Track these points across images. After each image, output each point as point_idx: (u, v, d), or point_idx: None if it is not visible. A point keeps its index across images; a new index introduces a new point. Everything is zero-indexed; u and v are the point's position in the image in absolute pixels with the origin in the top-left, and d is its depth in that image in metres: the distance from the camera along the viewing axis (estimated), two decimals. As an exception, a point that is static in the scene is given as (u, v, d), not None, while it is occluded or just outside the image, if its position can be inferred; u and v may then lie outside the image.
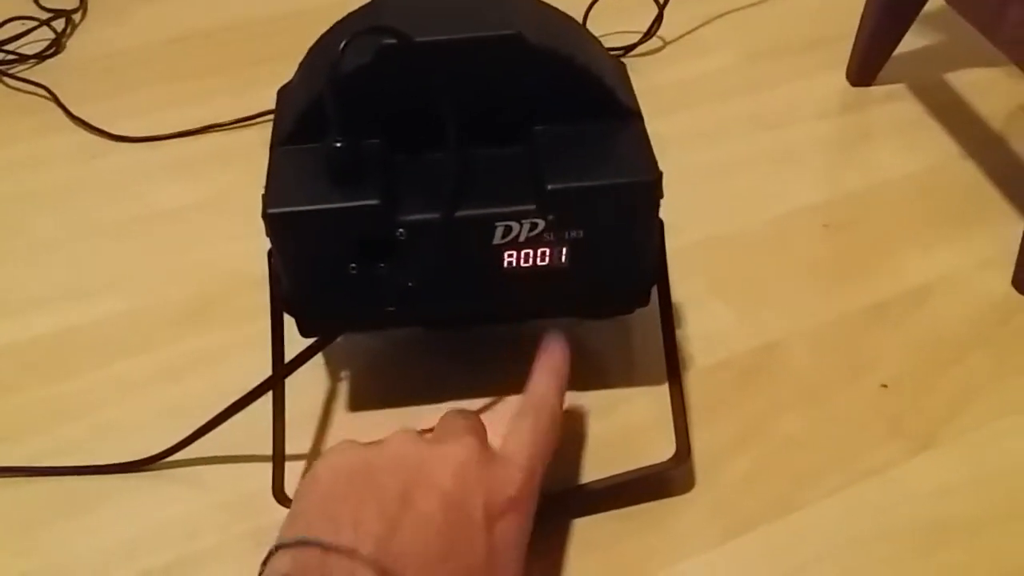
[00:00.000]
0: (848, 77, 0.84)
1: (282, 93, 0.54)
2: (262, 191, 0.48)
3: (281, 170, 0.49)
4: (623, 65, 0.55)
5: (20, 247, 0.69)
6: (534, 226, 0.49)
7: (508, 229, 0.49)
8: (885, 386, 0.57)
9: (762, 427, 0.56)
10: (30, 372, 0.60)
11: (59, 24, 0.92)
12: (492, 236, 0.49)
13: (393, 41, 0.47)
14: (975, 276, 0.65)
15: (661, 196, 0.50)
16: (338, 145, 0.47)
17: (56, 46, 0.90)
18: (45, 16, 0.92)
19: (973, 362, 0.58)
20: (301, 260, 0.49)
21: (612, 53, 0.85)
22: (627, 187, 0.48)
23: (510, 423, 0.47)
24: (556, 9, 0.53)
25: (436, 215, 0.48)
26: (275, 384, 0.50)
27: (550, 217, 0.48)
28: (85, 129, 0.80)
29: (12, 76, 0.85)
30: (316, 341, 0.50)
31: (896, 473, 0.53)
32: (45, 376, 0.59)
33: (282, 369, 0.50)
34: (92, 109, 0.81)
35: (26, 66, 0.87)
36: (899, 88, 0.82)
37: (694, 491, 0.52)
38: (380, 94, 0.48)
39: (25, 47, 0.89)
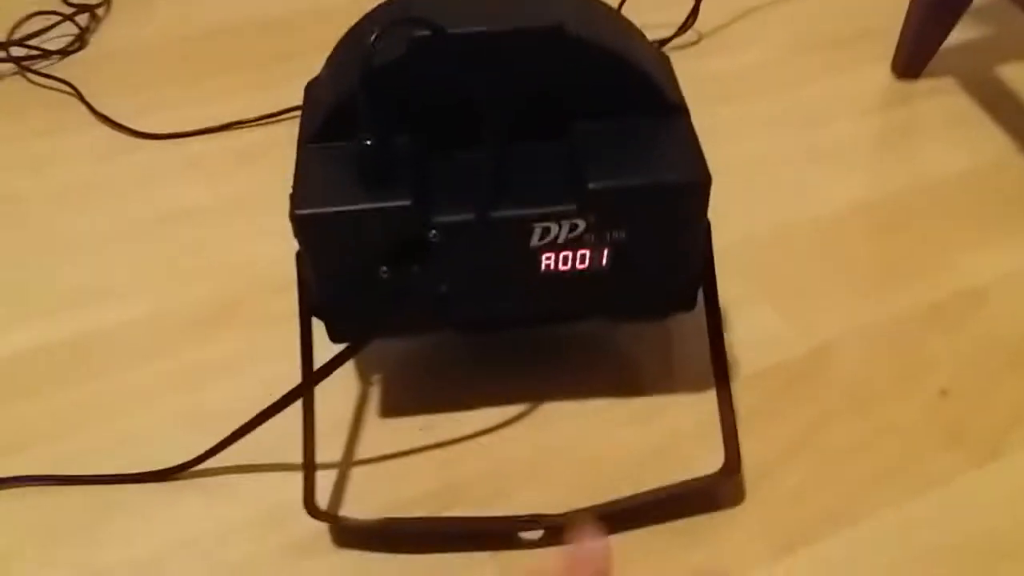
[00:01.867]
0: (894, 69, 0.80)
1: (310, 89, 0.52)
2: (289, 190, 0.46)
3: (309, 169, 0.47)
4: (667, 59, 0.53)
5: (45, 245, 0.68)
6: (574, 227, 0.46)
7: (547, 230, 0.46)
8: (944, 392, 0.55)
9: (813, 437, 0.53)
10: (55, 376, 0.58)
11: (83, 19, 0.90)
12: (530, 238, 0.46)
13: (427, 33, 0.44)
14: (1033, 277, 0.62)
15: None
16: (369, 143, 0.45)
17: (80, 41, 0.88)
18: (69, 11, 0.91)
19: (1036, 368, 0.56)
20: (331, 263, 0.47)
21: (649, 46, 0.83)
22: (675, 188, 0.45)
23: None
24: (596, 0, 0.51)
25: (471, 216, 0.45)
26: (305, 392, 0.48)
27: (591, 218, 0.46)
28: (109, 126, 0.78)
29: (36, 72, 0.84)
30: (347, 347, 0.48)
31: (958, 485, 0.50)
32: (70, 380, 0.58)
33: (311, 377, 0.48)
34: (116, 105, 0.79)
35: (50, 62, 0.86)
36: (947, 81, 0.79)
37: (743, 505, 0.50)
38: (413, 89, 0.46)
39: (49, 42, 0.88)
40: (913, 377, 0.56)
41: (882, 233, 0.66)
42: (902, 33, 0.79)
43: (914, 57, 0.79)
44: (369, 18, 0.50)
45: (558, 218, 0.46)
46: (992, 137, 0.73)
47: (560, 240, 0.47)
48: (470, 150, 0.47)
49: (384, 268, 0.47)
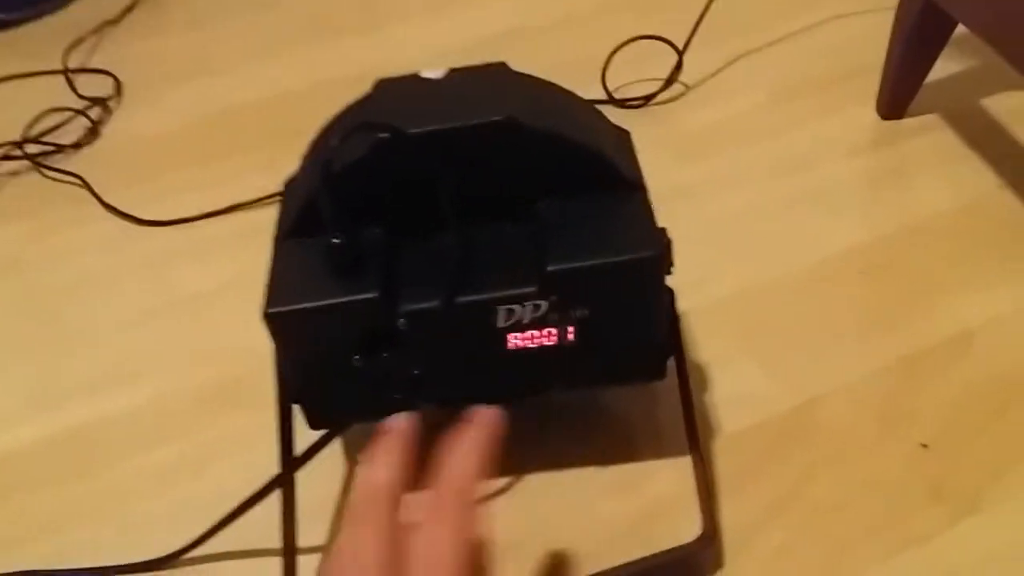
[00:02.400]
0: (878, 110, 0.81)
1: (288, 186, 0.55)
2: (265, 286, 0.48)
3: (283, 265, 0.49)
4: (627, 134, 0.54)
5: (52, 338, 0.71)
6: (537, 307, 0.48)
7: (511, 312, 0.48)
8: (925, 445, 0.55)
9: (795, 494, 0.53)
10: (58, 468, 0.61)
11: (95, 112, 0.95)
12: (495, 320, 0.48)
13: (386, 135, 0.46)
14: (1020, 318, 0.61)
15: (669, 267, 0.49)
16: (336, 241, 0.47)
17: (92, 134, 0.93)
18: (82, 105, 0.95)
19: (1018, 415, 0.55)
20: (304, 355, 0.49)
21: (633, 103, 0.85)
22: (628, 264, 0.47)
23: (425, 524, 0.40)
24: (552, 84, 0.53)
25: (436, 303, 0.47)
26: (284, 481, 0.50)
27: (552, 298, 0.47)
28: (117, 216, 0.82)
29: (49, 167, 0.88)
30: (326, 434, 0.50)
31: (940, 541, 0.50)
32: (73, 472, 0.60)
33: (291, 465, 0.50)
34: (123, 195, 0.83)
35: (63, 155, 0.90)
36: (932, 118, 0.79)
37: (724, 570, 0.50)
38: (377, 186, 0.48)
39: (62, 137, 0.92)
40: (896, 430, 0.56)
41: (869, 279, 0.66)
42: (883, 73, 0.79)
43: (897, 96, 0.79)
44: (335, 121, 0.52)
45: (520, 300, 0.47)
46: (978, 172, 0.73)
47: (525, 320, 0.48)
48: (435, 238, 0.49)
49: (356, 356, 0.48)
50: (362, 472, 0.42)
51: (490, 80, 0.51)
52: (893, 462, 0.54)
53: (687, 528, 0.51)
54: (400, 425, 0.44)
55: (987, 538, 0.50)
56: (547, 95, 0.52)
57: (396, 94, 0.51)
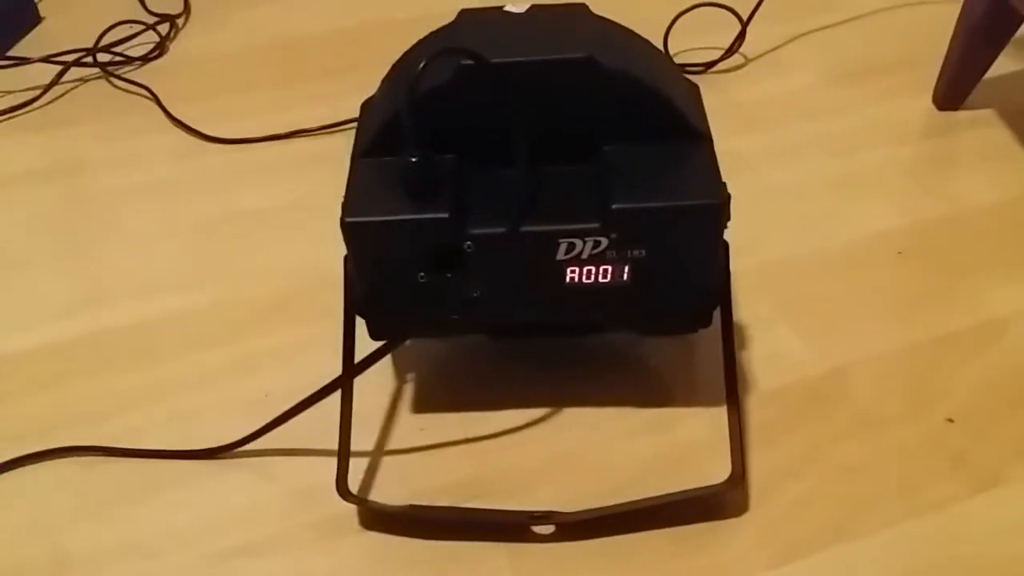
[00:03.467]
0: (934, 100, 0.82)
1: (365, 107, 0.57)
2: (342, 198, 0.50)
3: (360, 181, 0.51)
4: (696, 87, 0.56)
5: (113, 240, 0.74)
6: (597, 244, 0.50)
7: (572, 246, 0.50)
8: (951, 420, 0.57)
9: (819, 454, 0.55)
10: (115, 358, 0.64)
11: (163, 28, 0.97)
12: (556, 252, 0.50)
13: (470, 62, 0.48)
14: (1055, 312, 0.63)
15: (727, 219, 0.51)
16: (413, 160, 0.49)
17: (160, 49, 0.95)
18: (152, 20, 0.97)
19: (1046, 401, 0.57)
20: (374, 267, 0.51)
21: (693, 69, 0.86)
22: (691, 209, 0.49)
23: None
24: (629, 30, 0.54)
25: (502, 229, 0.49)
26: (344, 384, 0.53)
27: (613, 236, 0.49)
28: (182, 129, 0.84)
29: (119, 77, 0.90)
30: (385, 344, 0.53)
31: (956, 510, 0.52)
32: (130, 363, 0.63)
33: (351, 369, 0.53)
34: (190, 111, 0.85)
35: (131, 67, 0.92)
36: (987, 113, 0.80)
37: (747, 515, 0.52)
38: (456, 112, 0.50)
39: (132, 49, 0.94)
40: (923, 404, 0.58)
41: (909, 261, 0.68)
42: (943, 64, 0.80)
43: (954, 88, 0.80)
44: (420, 45, 0.54)
45: (582, 235, 0.49)
46: (1027, 172, 0.75)
47: (584, 255, 0.50)
48: (508, 168, 0.51)
49: (422, 274, 0.51)
50: None
51: (571, 20, 0.52)
52: (917, 433, 0.56)
53: (715, 472, 0.53)
54: None
55: (1000, 512, 0.52)
56: (625, 40, 0.53)
57: (479, 25, 0.52)
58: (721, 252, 0.53)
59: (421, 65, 0.47)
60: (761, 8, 0.87)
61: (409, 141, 0.49)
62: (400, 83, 0.51)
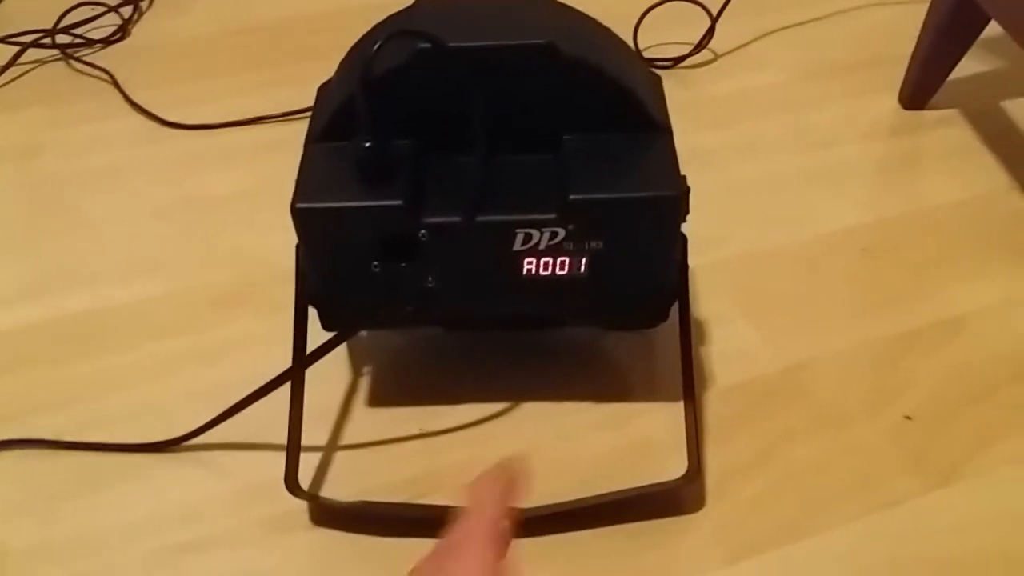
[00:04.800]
0: (900, 99, 0.82)
1: (322, 90, 0.56)
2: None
3: (313, 166, 0.50)
4: (658, 78, 0.55)
5: (70, 225, 0.72)
6: (554, 235, 0.49)
7: (528, 236, 0.49)
8: (909, 418, 0.56)
9: (777, 450, 0.55)
10: (66, 347, 0.62)
11: (126, 11, 0.95)
12: (512, 242, 0.49)
13: (427, 45, 0.47)
14: (1013, 312, 0.63)
15: (686, 213, 0.50)
16: (367, 145, 0.48)
17: (122, 32, 0.93)
18: (114, 2, 0.95)
19: (1002, 399, 0.57)
20: (326, 255, 0.50)
21: (662, 64, 0.86)
22: (648, 201, 0.48)
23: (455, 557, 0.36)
24: (593, 19, 0.53)
25: (458, 218, 0.48)
26: (295, 375, 0.51)
27: (570, 227, 0.48)
28: (141, 114, 0.82)
29: (78, 59, 0.88)
30: (337, 335, 0.52)
31: (911, 507, 0.52)
32: (81, 352, 0.62)
33: (303, 361, 0.51)
34: (149, 96, 0.83)
35: (92, 50, 0.90)
36: (952, 113, 0.80)
37: (703, 511, 0.52)
38: (412, 96, 0.49)
39: (92, 32, 0.92)
40: (881, 401, 0.57)
41: (870, 258, 0.68)
42: (910, 63, 0.80)
43: (920, 87, 0.80)
44: (377, 28, 0.53)
45: (539, 225, 0.49)
46: (990, 171, 0.75)
47: (541, 246, 0.49)
48: (465, 155, 0.50)
49: (375, 263, 0.50)
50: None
51: (533, 6, 0.51)
52: (875, 430, 0.56)
53: (672, 468, 0.53)
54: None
55: (955, 510, 0.52)
56: (587, 28, 0.52)
57: (439, 9, 0.51)
58: (679, 246, 0.52)
59: (375, 47, 0.46)
60: (731, 4, 0.87)
61: (363, 125, 0.48)
62: (355, 66, 0.50)
